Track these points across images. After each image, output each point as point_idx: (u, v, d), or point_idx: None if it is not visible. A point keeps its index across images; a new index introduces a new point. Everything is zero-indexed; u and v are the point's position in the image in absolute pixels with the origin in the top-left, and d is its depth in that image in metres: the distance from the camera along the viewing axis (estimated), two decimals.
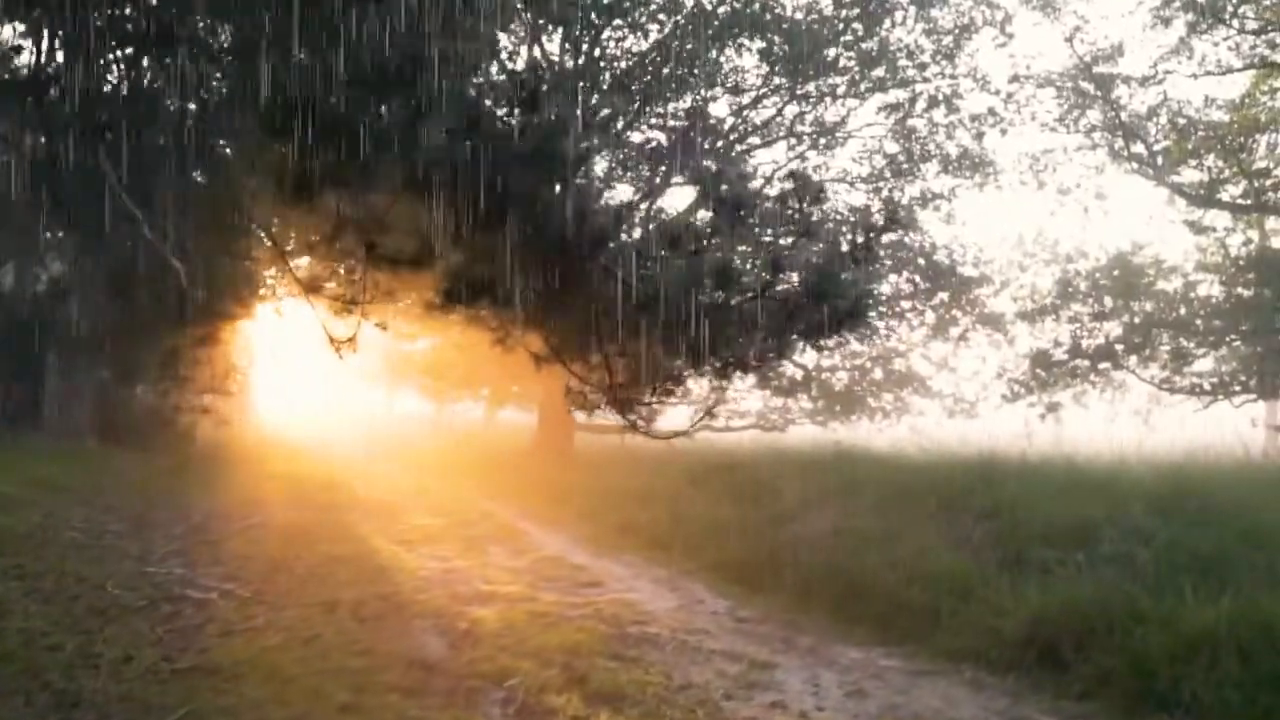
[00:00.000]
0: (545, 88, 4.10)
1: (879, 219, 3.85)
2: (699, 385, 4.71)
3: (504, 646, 5.02)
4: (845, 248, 3.51)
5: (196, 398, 17.06)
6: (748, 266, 4.05)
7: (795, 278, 3.68)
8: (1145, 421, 18.41)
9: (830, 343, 4.64)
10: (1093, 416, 18.57)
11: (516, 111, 4.16)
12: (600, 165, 18.18)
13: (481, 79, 3.95)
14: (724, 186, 3.58)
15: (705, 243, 3.94)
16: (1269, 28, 14.84)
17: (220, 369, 17.12)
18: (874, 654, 5.21)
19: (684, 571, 7.40)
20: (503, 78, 3.96)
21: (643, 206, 17.62)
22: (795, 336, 3.71)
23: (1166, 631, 4.63)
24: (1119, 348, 16.77)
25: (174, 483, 11.55)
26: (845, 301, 3.54)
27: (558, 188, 3.96)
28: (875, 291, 17.69)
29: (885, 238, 18.82)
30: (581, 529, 9.40)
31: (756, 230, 3.94)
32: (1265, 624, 4.51)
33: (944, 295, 18.53)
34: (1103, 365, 17.19)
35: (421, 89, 3.30)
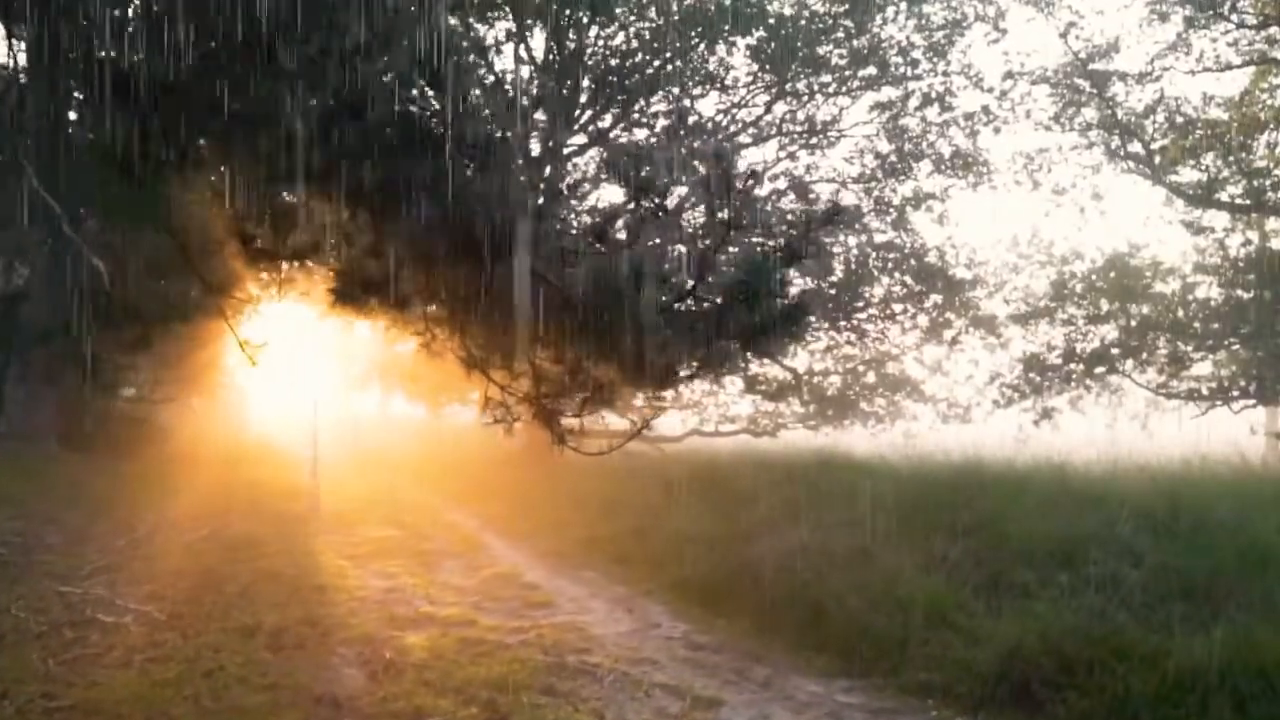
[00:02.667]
0: (458, 66, 3.67)
1: (817, 211, 3.42)
2: (632, 395, 4.28)
3: (427, 680, 4.59)
4: (781, 243, 3.09)
5: (166, 402, 16.64)
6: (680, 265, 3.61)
7: (727, 277, 3.24)
8: (1143, 427, 17.98)
9: (770, 351, 4.21)
10: (1089, 422, 18.14)
11: (426, 93, 3.76)
12: (590, 165, 17.87)
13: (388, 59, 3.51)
14: (645, 171, 3.17)
15: (632, 237, 3.51)
16: (1269, 22, 14.40)
17: (193, 371, 16.70)
18: (834, 688, 4.77)
19: (645, 590, 6.96)
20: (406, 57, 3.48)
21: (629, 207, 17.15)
22: (727, 343, 3.28)
23: (1152, 669, 4.20)
24: (1115, 351, 16.32)
25: (132, 491, 11.11)
26: (782, 304, 3.11)
27: (466, 177, 3.53)
28: (859, 290, 17.26)
29: (879, 238, 18.58)
30: (546, 541, 8.95)
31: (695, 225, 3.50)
32: (1261, 662, 4.08)
33: (937, 298, 18.10)
34: (1098, 369, 16.74)
35: (285, 62, 2.87)
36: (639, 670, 4.89)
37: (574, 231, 3.45)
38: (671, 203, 3.41)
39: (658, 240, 3.61)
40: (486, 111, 4.43)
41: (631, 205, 3.37)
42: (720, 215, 3.04)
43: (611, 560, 7.96)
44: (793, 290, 3.21)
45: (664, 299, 3.35)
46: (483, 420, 4.28)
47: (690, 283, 3.30)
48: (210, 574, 6.88)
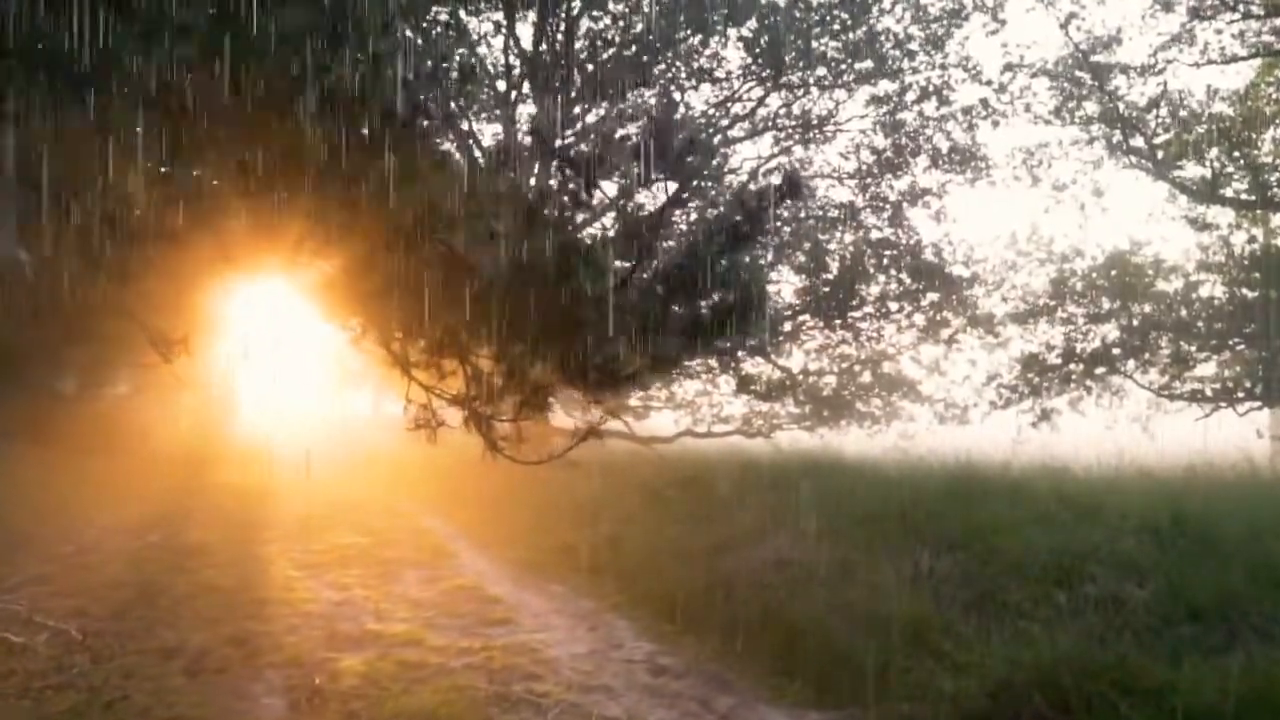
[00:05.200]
0: (367, 22, 3.22)
1: (773, 187, 3.01)
2: (572, 398, 3.84)
3: (353, 711, 4.14)
4: (729, 224, 2.65)
5: (146, 399, 16.20)
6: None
7: (669, 263, 2.80)
8: (1145, 429, 17.50)
9: (719, 347, 3.76)
10: (1090, 424, 17.67)
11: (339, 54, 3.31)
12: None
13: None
14: (573, 141, 2.74)
15: (564, 219, 3.06)
16: (1276, 13, 13.94)
17: (171, 369, 16.24)
18: None
19: (613, 605, 6.51)
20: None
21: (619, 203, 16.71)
22: (671, 337, 2.84)
23: (1158, 705, 3.76)
24: (1116, 351, 15.85)
25: (92, 492, 10.68)
26: (729, 292, 2.67)
27: (376, 148, 3.08)
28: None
29: (875, 235, 18.12)
30: (517, 549, 8.50)
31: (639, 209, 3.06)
32: (1277, 698, 3.65)
33: (934, 296, 17.65)
34: (1099, 370, 16.27)
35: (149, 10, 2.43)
36: (590, 700, 4.44)
37: (495, 214, 2.98)
38: (627, 190, 2.97)
39: (597, 224, 3.16)
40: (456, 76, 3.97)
41: (561, 183, 2.93)
42: (665, 189, 2.60)
43: (582, 571, 7.50)
44: (744, 278, 2.76)
45: (596, 286, 2.90)
46: (405, 425, 3.85)
47: (627, 269, 2.85)
48: (147, 586, 6.45)
